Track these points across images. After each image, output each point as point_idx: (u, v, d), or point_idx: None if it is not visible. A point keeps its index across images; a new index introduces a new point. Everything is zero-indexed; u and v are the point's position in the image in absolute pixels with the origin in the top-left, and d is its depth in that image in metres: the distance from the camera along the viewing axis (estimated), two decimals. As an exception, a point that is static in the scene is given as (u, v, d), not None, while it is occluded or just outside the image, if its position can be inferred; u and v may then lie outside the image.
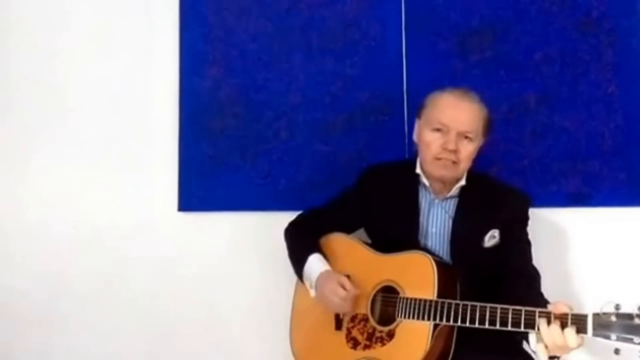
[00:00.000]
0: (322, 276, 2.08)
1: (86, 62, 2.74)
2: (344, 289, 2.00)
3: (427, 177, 2.10)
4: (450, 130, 1.99)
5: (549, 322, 1.65)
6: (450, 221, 2.10)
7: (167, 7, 2.67)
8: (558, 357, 1.71)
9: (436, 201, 2.12)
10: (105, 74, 2.72)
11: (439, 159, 2.02)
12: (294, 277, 2.24)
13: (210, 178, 2.62)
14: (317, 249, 2.17)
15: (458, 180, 2.10)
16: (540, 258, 2.09)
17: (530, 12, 2.44)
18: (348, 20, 2.57)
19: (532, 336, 1.71)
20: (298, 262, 2.18)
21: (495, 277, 2.04)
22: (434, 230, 2.11)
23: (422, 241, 2.10)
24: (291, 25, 2.60)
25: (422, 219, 2.11)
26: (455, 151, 1.99)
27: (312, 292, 2.12)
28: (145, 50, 2.71)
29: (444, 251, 2.09)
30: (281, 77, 2.60)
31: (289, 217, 2.35)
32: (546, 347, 1.66)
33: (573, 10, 2.41)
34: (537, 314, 1.68)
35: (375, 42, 2.55)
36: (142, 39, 2.71)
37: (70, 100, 2.74)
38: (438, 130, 2.02)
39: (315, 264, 2.12)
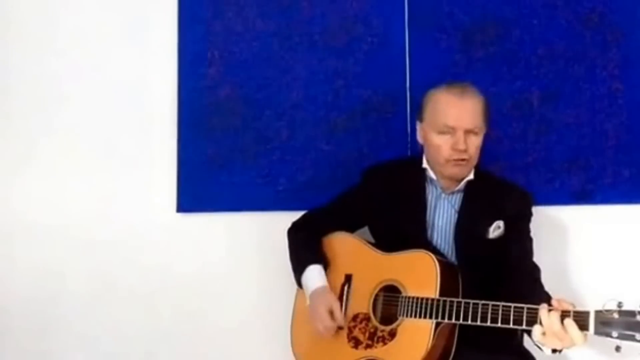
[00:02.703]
0: (317, 293, 2.08)
1: (85, 62, 2.73)
2: (333, 316, 2.02)
3: (436, 173, 2.11)
4: (457, 130, 2.00)
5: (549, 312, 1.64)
6: (456, 214, 2.10)
7: (165, 5, 2.67)
8: (560, 351, 1.70)
9: (442, 195, 2.12)
10: (104, 73, 2.72)
11: (452, 160, 2.02)
12: (295, 278, 2.23)
13: (209, 178, 2.61)
14: (318, 257, 2.17)
15: (466, 175, 2.10)
16: (543, 255, 2.08)
17: (534, 8, 2.42)
18: (350, 16, 2.55)
19: (534, 330, 1.68)
20: (297, 268, 2.18)
21: (497, 271, 2.03)
22: (439, 223, 2.11)
23: (428, 234, 2.09)
24: (292, 22, 2.59)
25: (429, 212, 2.11)
26: (466, 150, 2.00)
27: (307, 302, 2.12)
28: (143, 49, 2.70)
29: (448, 244, 2.08)
30: (282, 75, 2.59)
31: (289, 217, 2.33)
32: (544, 334, 1.64)
33: (577, 6, 2.39)
34: (539, 312, 1.66)
35: (378, 39, 2.53)
36: (141, 38, 2.70)
37: (69, 101, 2.73)
38: (445, 132, 2.02)
39: (313, 276, 2.13)
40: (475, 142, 2.02)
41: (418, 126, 2.14)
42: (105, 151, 2.70)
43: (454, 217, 2.10)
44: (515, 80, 2.42)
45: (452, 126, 2.00)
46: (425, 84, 2.31)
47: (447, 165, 2.04)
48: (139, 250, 2.66)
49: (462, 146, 1.99)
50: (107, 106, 2.71)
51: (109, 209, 2.68)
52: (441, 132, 2.02)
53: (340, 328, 2.06)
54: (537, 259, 2.06)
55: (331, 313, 2.03)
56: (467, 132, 2.00)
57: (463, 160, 2.02)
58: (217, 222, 2.62)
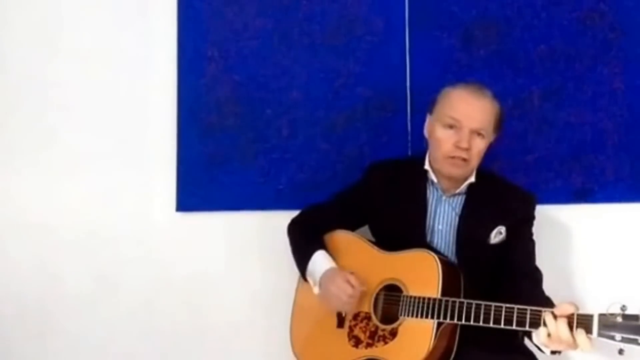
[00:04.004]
0: (328, 273, 2.05)
1: (84, 60, 2.72)
2: (351, 285, 1.97)
3: (436, 174, 2.09)
4: (462, 127, 1.97)
5: (555, 318, 1.64)
6: (457, 218, 2.08)
7: (165, 3, 2.66)
8: (559, 352, 1.71)
9: (443, 198, 2.11)
10: (103, 72, 2.71)
11: (451, 157, 1.99)
12: (295, 277, 2.22)
13: (209, 177, 2.60)
14: (323, 245, 2.15)
15: (467, 177, 2.08)
16: (543, 255, 2.08)
17: (534, 6, 2.41)
18: (350, 15, 2.54)
19: (540, 332, 1.68)
20: (302, 258, 2.15)
21: (498, 276, 2.03)
22: (440, 227, 2.09)
23: (428, 238, 2.08)
24: (292, 21, 2.58)
25: (429, 215, 2.10)
26: (468, 149, 1.97)
27: (316, 290, 2.09)
28: (143, 47, 2.69)
29: (449, 248, 2.07)
30: (282, 73, 2.58)
31: (289, 216, 2.32)
32: (549, 335, 1.64)
33: (578, 4, 2.38)
34: (542, 314, 1.67)
35: (378, 38, 2.52)
36: (140, 36, 2.70)
37: (68, 100, 2.72)
38: (450, 127, 1.99)
39: (320, 260, 2.10)
40: (479, 145, 1.99)
41: (427, 119, 2.12)
42: (105, 150, 2.69)
43: (455, 222, 2.08)
44: (516, 79, 2.41)
45: (458, 119, 1.97)
46: (426, 83, 2.33)
47: (445, 162, 2.02)
48: (138, 249, 2.65)
49: (464, 144, 1.96)
50: (106, 105, 2.70)
51: (109, 208, 2.68)
52: (447, 126, 2.00)
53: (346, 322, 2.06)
54: (537, 258, 2.06)
55: (349, 282, 1.98)
56: (473, 132, 1.97)
57: (462, 159, 1.99)
58: (216, 221, 2.61)
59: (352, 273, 2.02)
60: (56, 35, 2.74)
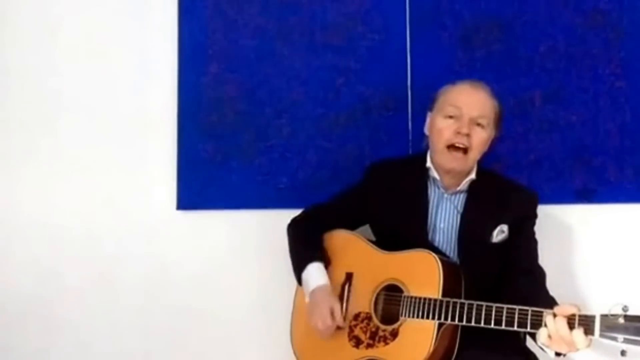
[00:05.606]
0: (318, 291, 2.06)
1: (84, 58, 2.71)
2: (332, 317, 1.99)
3: (437, 170, 2.09)
4: (463, 114, 1.99)
5: (555, 317, 1.64)
6: (459, 216, 2.08)
7: (165, 2, 2.65)
8: (564, 355, 1.70)
9: (445, 196, 2.10)
10: (103, 70, 2.70)
11: (450, 146, 2.00)
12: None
13: (209, 176, 2.59)
14: (319, 254, 2.14)
15: (468, 173, 2.08)
16: (545, 255, 2.06)
17: (536, 5, 2.41)
18: (351, 13, 2.54)
19: (540, 333, 1.68)
20: (298, 266, 2.16)
21: (501, 275, 2.03)
22: (442, 225, 2.09)
23: (429, 236, 2.08)
24: (293, 19, 2.57)
25: (431, 213, 2.09)
26: (468, 135, 1.98)
27: (307, 299, 2.10)
28: (143, 45, 2.69)
29: (451, 246, 2.07)
30: (282, 72, 2.57)
31: (290, 215, 2.32)
32: (549, 337, 1.64)
33: (580, 4, 2.39)
34: (544, 315, 1.66)
35: (379, 37, 2.52)
36: (140, 34, 2.69)
37: (68, 98, 2.71)
38: (451, 117, 2.01)
39: (313, 274, 2.10)
40: (479, 135, 2.00)
41: (428, 117, 2.13)
42: (105, 149, 2.68)
43: (456, 220, 2.08)
44: (518, 78, 2.41)
45: (459, 106, 1.99)
46: (427, 81, 2.33)
47: (444, 154, 2.02)
48: (139, 248, 2.64)
49: (465, 130, 1.98)
50: (107, 103, 2.69)
51: (109, 207, 2.67)
52: (447, 116, 2.02)
53: (339, 328, 2.05)
54: (540, 258, 2.05)
55: (332, 312, 2.00)
56: (473, 120, 1.99)
57: (463, 150, 1.99)
58: (217, 220, 2.61)
59: (350, 273, 2.04)
60: (55, 34, 2.73)
